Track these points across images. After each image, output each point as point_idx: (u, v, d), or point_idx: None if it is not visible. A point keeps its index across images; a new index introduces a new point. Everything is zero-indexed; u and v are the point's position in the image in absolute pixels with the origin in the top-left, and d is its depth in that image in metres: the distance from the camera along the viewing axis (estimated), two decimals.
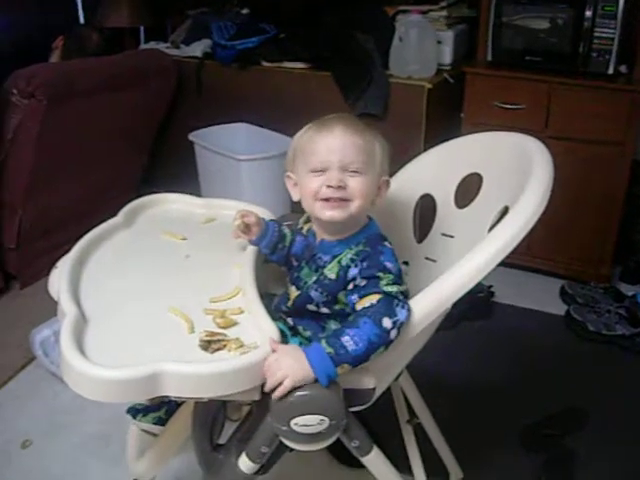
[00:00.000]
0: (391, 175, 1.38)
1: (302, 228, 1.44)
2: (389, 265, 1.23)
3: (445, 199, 1.54)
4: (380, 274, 1.20)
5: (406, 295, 1.20)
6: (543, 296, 2.91)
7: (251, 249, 1.42)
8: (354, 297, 1.21)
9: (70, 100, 2.69)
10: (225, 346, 1.13)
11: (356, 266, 1.24)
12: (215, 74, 3.26)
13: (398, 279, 1.21)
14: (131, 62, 3.11)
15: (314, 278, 1.31)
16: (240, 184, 2.89)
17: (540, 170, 1.23)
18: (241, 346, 1.13)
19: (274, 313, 1.34)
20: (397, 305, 1.16)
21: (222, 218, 1.60)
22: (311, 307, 1.32)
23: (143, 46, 3.67)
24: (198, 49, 3.33)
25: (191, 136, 3.07)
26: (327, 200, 1.26)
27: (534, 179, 1.21)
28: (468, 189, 1.54)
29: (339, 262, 1.28)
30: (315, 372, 1.12)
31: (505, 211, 1.29)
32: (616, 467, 2.02)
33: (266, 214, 1.52)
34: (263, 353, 1.12)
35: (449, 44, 3.02)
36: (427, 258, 1.54)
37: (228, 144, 3.00)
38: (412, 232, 1.58)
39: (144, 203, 1.63)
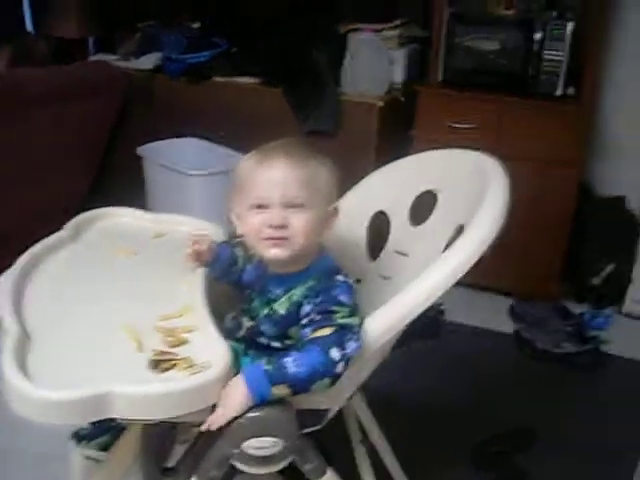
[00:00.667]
0: (344, 192, 1.35)
1: (254, 255, 1.40)
2: (343, 298, 1.20)
3: (400, 216, 1.53)
4: (335, 308, 1.18)
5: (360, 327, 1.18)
6: (493, 315, 2.92)
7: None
8: (307, 330, 1.18)
9: (14, 111, 2.62)
10: (175, 365, 1.09)
11: (309, 303, 1.21)
12: (166, 88, 3.21)
13: (354, 312, 1.19)
14: (80, 73, 3.05)
15: (265, 311, 1.29)
16: (189, 200, 2.84)
17: (496, 189, 1.22)
18: (191, 366, 1.09)
19: (226, 334, 1.30)
20: (350, 339, 1.14)
21: (172, 233, 1.56)
22: (262, 340, 1.30)
23: (92, 58, 3.59)
24: (149, 62, 3.29)
25: (140, 150, 3.01)
26: (269, 239, 1.23)
27: (490, 198, 1.21)
28: (423, 207, 1.53)
29: (290, 298, 1.25)
30: (248, 390, 1.09)
31: (460, 230, 1.28)
32: None
33: (217, 231, 1.49)
34: (214, 373, 1.08)
35: (401, 63, 3.03)
36: (381, 276, 1.52)
37: (178, 159, 2.95)
38: (365, 249, 1.57)
39: (91, 216, 1.58)
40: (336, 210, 1.31)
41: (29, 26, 3.60)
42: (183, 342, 1.16)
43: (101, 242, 1.50)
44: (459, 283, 1.21)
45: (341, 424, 1.62)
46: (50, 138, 2.88)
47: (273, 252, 1.23)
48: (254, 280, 1.37)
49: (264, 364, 1.11)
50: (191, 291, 1.30)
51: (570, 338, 2.66)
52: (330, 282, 1.23)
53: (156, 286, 1.35)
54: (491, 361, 2.63)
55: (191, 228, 1.53)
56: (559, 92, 2.77)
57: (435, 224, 1.44)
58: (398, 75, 3.04)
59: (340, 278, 1.25)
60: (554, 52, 2.72)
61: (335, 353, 1.11)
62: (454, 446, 2.13)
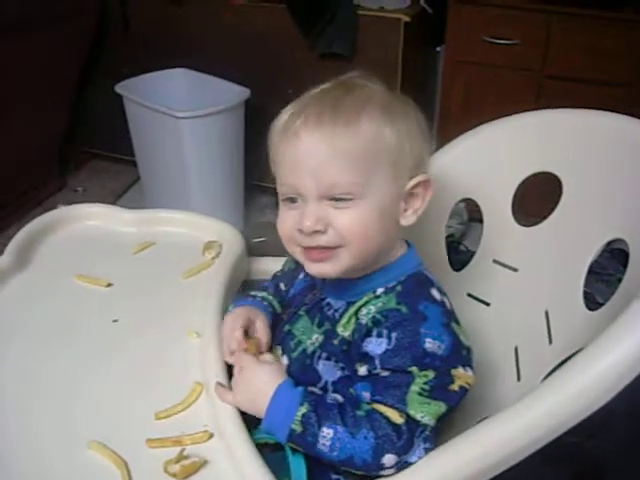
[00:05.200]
0: None
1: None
2: (430, 346, 0.77)
3: (498, 208, 1.05)
4: (414, 369, 0.76)
5: (454, 399, 0.78)
6: None
7: (216, 296, 0.95)
8: (367, 394, 0.78)
9: None
10: None
11: (380, 336, 0.78)
12: (145, 10, 2.72)
13: (444, 376, 0.77)
14: None
15: (318, 338, 0.86)
16: (181, 146, 2.37)
17: None
18: None
19: None
20: (418, 437, 0.74)
21: (163, 240, 1.11)
22: (315, 391, 0.84)
23: None
24: None
25: (119, 87, 2.51)
26: (306, 249, 0.83)
27: None
28: (538, 197, 1.07)
29: (356, 315, 0.83)
30: (265, 422, 0.78)
31: (624, 251, 0.82)
32: None
33: (235, 237, 1.07)
34: None
35: None
36: (471, 295, 1.06)
37: (165, 96, 2.46)
38: (444, 254, 1.10)
39: (42, 225, 1.10)
40: (428, 181, 0.86)
41: None
42: (198, 468, 0.71)
43: (58, 268, 1.03)
44: None
45: None
46: (11, 77, 2.42)
47: (315, 269, 0.83)
48: (305, 290, 0.94)
49: (295, 420, 0.76)
50: (203, 350, 0.86)
51: None
52: (417, 307, 0.80)
53: (146, 346, 0.90)
54: None
55: (189, 229, 1.11)
56: None
57: (562, 226, 0.97)
58: None
59: (436, 296, 0.83)
60: None
61: (388, 459, 0.74)
62: None
